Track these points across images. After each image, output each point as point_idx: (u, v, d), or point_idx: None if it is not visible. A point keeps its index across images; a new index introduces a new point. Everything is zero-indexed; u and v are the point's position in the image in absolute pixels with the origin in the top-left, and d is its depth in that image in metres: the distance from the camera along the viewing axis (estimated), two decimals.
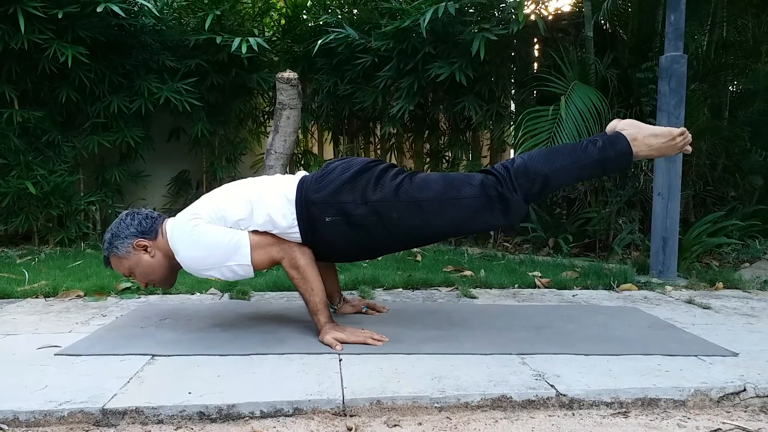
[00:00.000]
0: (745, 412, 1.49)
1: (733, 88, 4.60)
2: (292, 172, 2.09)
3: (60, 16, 3.64)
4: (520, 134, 3.78)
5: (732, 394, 1.53)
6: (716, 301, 2.62)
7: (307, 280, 1.87)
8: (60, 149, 4.18)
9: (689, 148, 1.96)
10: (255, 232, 1.87)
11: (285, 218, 1.86)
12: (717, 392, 1.52)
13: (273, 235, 1.88)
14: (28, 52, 3.80)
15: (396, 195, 1.85)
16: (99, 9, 3.72)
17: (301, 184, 1.91)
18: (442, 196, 1.85)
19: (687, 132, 1.92)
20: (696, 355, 1.79)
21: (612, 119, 2.08)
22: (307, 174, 1.98)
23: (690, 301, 2.59)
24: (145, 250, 1.95)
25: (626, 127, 1.93)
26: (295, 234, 1.88)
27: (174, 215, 2.00)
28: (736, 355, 1.80)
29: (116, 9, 3.75)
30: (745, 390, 1.53)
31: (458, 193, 1.85)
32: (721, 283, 2.93)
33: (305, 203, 1.86)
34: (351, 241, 1.90)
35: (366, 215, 1.84)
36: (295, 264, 1.87)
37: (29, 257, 3.60)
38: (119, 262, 1.97)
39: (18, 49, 3.73)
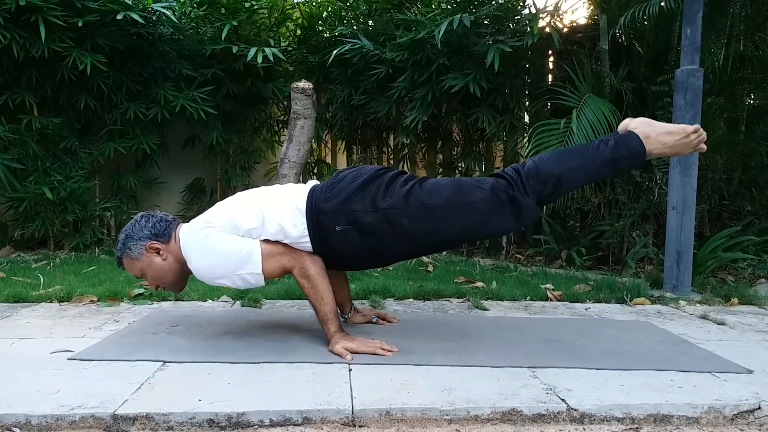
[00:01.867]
0: (760, 430, 1.46)
1: (750, 102, 4.57)
2: (305, 181, 2.09)
3: (80, 24, 3.70)
4: (530, 147, 3.77)
5: (746, 411, 1.50)
6: (731, 316, 2.59)
7: (317, 289, 1.88)
8: (77, 155, 4.24)
9: (704, 147, 1.92)
10: (266, 241, 1.88)
11: (296, 228, 1.87)
12: (731, 410, 1.50)
13: (284, 244, 1.89)
14: (48, 59, 3.87)
15: (406, 201, 1.84)
16: (119, 17, 3.78)
17: (312, 194, 1.91)
18: (452, 201, 1.83)
19: (701, 129, 1.88)
20: (710, 372, 1.77)
21: None
22: (318, 183, 1.99)
23: (704, 317, 2.56)
24: (158, 253, 1.96)
25: (639, 125, 1.90)
26: (306, 243, 1.88)
27: (189, 221, 2.01)
28: (750, 372, 1.78)
29: (135, 17, 3.81)
30: (759, 408, 1.51)
31: (468, 197, 1.84)
32: (736, 298, 2.89)
33: (316, 213, 1.87)
34: (362, 249, 1.90)
35: (376, 223, 1.84)
36: (306, 273, 1.88)
37: (44, 262, 3.64)
38: (131, 263, 1.98)
39: (38, 56, 3.80)
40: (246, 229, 1.87)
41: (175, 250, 1.95)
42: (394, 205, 1.84)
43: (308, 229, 1.87)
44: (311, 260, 1.89)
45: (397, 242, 1.88)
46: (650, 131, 1.88)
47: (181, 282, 2.05)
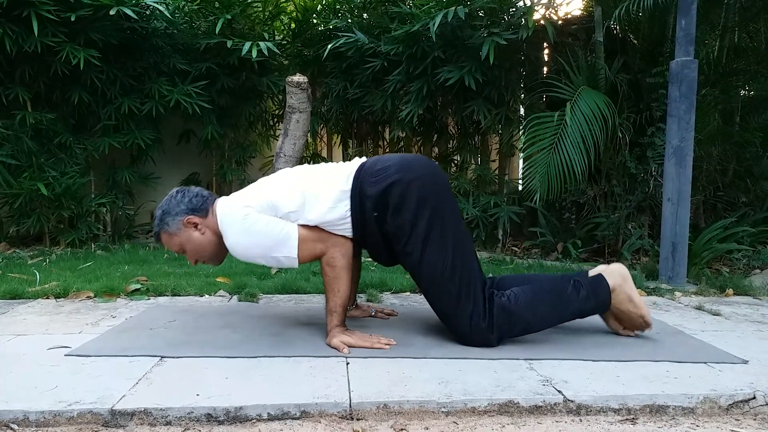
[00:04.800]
0: (755, 419, 1.48)
1: (744, 93, 4.57)
2: None
3: (73, 19, 3.68)
4: (523, 139, 3.78)
5: (741, 401, 1.52)
6: (726, 307, 2.60)
7: (338, 280, 1.87)
8: (71, 151, 4.22)
9: (640, 332, 2.05)
10: (303, 225, 1.88)
11: (338, 211, 1.87)
12: (726, 400, 1.51)
13: (319, 230, 1.89)
14: (41, 54, 3.84)
15: (422, 250, 1.86)
16: (112, 12, 3.76)
17: (358, 176, 1.91)
18: (448, 296, 1.88)
19: (651, 324, 2.01)
20: (705, 362, 1.78)
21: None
22: (365, 162, 1.97)
23: (699, 308, 2.58)
24: (196, 228, 1.95)
25: (614, 275, 1.99)
26: (346, 226, 1.89)
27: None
28: (746, 362, 1.79)
29: (129, 12, 3.79)
30: (754, 398, 1.52)
31: (456, 306, 1.88)
32: (731, 289, 2.91)
33: (360, 196, 1.88)
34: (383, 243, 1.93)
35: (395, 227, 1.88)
36: (333, 264, 1.87)
37: (40, 258, 3.63)
38: (170, 238, 1.97)
39: (31, 51, 3.77)
40: (285, 212, 1.87)
41: (213, 224, 1.94)
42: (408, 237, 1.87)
43: (350, 211, 1.88)
44: (342, 252, 1.88)
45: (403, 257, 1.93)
46: (623, 287, 1.98)
47: (220, 255, 2.03)
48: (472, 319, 1.85)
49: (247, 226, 1.85)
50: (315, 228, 1.89)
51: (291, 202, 1.87)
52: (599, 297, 1.97)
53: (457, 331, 1.91)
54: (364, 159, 2.01)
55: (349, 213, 1.88)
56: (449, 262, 1.86)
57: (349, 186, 1.89)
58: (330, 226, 1.89)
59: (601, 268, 2.04)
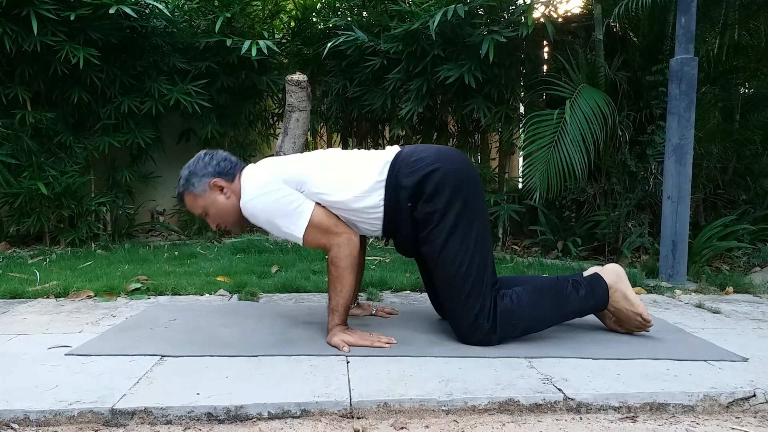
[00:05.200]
0: (755, 417, 1.48)
1: (744, 90, 4.57)
2: None
3: (72, 18, 3.68)
4: (523, 138, 3.77)
5: (741, 399, 1.52)
6: (726, 305, 2.60)
7: (341, 280, 1.87)
8: (71, 150, 4.22)
9: (643, 331, 2.04)
10: (324, 209, 1.88)
11: (371, 200, 1.88)
12: (726, 397, 1.51)
13: (335, 219, 1.89)
14: (41, 54, 3.84)
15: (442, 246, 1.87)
16: (111, 11, 3.76)
17: (393, 166, 1.90)
18: (459, 291, 1.88)
19: (651, 321, 2.00)
20: (705, 360, 1.78)
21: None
22: (400, 151, 1.96)
23: (699, 306, 2.58)
24: (221, 191, 1.96)
25: (611, 275, 1.99)
26: (377, 214, 1.89)
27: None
28: (746, 360, 1.79)
29: (128, 11, 3.79)
30: (754, 395, 1.52)
31: (464, 303, 1.88)
32: (731, 287, 2.91)
33: (394, 187, 1.88)
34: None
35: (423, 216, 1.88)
36: (337, 263, 1.87)
37: (40, 257, 3.64)
38: (194, 200, 1.97)
39: (31, 51, 3.77)
40: (313, 191, 1.88)
41: (239, 189, 1.94)
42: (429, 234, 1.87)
43: (384, 201, 1.88)
44: (346, 252, 1.87)
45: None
46: (618, 285, 1.98)
47: (242, 222, 2.02)
48: (477, 319, 1.85)
49: (266, 190, 1.86)
50: (331, 216, 1.88)
51: (322, 184, 1.88)
52: (597, 295, 1.97)
53: (461, 327, 1.91)
54: (398, 148, 2.00)
55: (382, 203, 1.88)
56: (468, 257, 1.86)
57: (384, 177, 1.89)
58: (357, 214, 1.89)
59: (596, 269, 2.04)
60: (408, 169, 1.88)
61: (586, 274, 2.04)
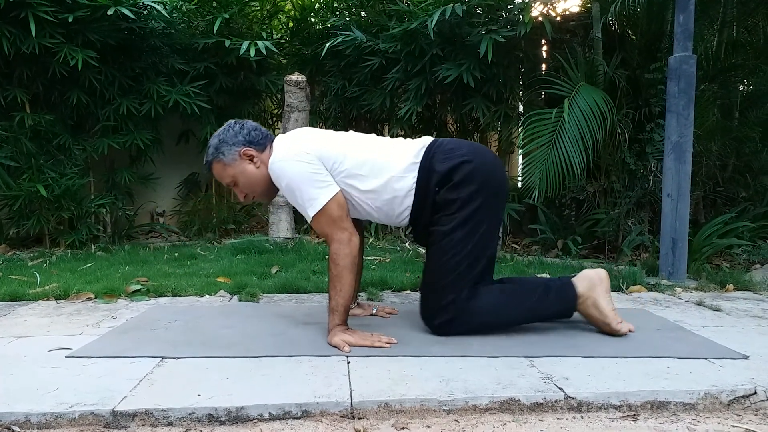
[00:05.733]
0: (756, 415, 1.48)
1: (743, 88, 4.57)
2: None
3: (70, 20, 3.67)
4: (521, 137, 3.77)
5: (742, 397, 1.52)
6: (726, 303, 2.60)
7: (340, 279, 1.87)
8: (71, 152, 4.21)
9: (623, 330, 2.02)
10: (343, 201, 1.90)
11: (406, 181, 1.91)
12: (727, 395, 1.51)
13: (346, 215, 1.90)
14: (39, 56, 3.84)
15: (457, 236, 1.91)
16: (109, 12, 3.75)
17: (429, 151, 1.94)
18: (443, 278, 1.94)
19: (623, 330, 1.99)
20: (706, 358, 1.78)
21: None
22: (435, 141, 2.00)
23: (700, 303, 2.58)
24: (251, 161, 1.96)
25: (584, 281, 2.00)
26: (408, 200, 1.93)
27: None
28: (746, 357, 1.79)
29: (126, 12, 3.78)
30: (755, 393, 1.52)
31: (441, 290, 1.94)
32: (731, 284, 2.91)
33: (428, 170, 1.91)
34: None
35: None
36: (336, 261, 1.87)
37: (40, 260, 3.63)
38: (223, 168, 1.97)
39: (29, 53, 3.77)
40: (346, 169, 1.90)
41: (269, 159, 1.94)
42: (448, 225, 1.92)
43: (416, 182, 1.91)
44: (347, 250, 1.87)
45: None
46: (591, 293, 1.99)
47: (271, 192, 2.03)
48: (444, 308, 1.92)
49: (299, 159, 1.87)
50: (344, 210, 1.90)
51: (358, 167, 1.90)
52: (564, 303, 2.00)
53: (427, 307, 1.99)
54: (432, 138, 2.04)
55: (414, 186, 1.91)
56: (464, 252, 1.90)
57: (419, 159, 1.93)
58: (392, 193, 1.92)
59: (583, 272, 2.04)
60: (443, 155, 1.93)
61: (574, 278, 2.05)
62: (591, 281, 2.00)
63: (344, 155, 1.91)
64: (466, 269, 1.91)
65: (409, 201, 1.94)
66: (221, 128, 2.01)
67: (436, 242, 1.94)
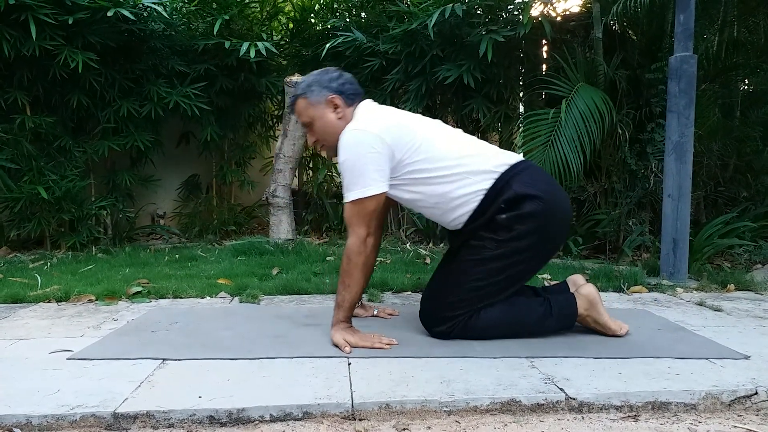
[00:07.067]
0: (757, 415, 1.47)
1: (744, 87, 4.57)
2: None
3: (70, 22, 3.67)
4: (519, 137, 3.77)
5: (743, 397, 1.52)
6: (728, 303, 2.60)
7: (351, 276, 1.87)
8: (71, 154, 4.22)
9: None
10: (382, 203, 1.88)
11: (479, 185, 1.89)
12: (728, 395, 1.51)
13: (374, 218, 1.88)
14: (40, 58, 3.84)
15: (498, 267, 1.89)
16: (109, 14, 3.75)
17: (515, 167, 1.92)
18: (456, 297, 1.93)
19: (624, 331, 2.00)
20: (707, 358, 1.78)
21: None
22: (525, 160, 1.99)
23: (701, 303, 2.57)
24: (335, 110, 1.96)
25: (584, 302, 1.98)
26: (472, 205, 1.89)
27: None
28: (747, 357, 1.79)
29: (126, 13, 3.78)
30: (756, 393, 1.52)
31: (450, 305, 1.93)
32: (732, 284, 2.91)
33: (505, 184, 1.88)
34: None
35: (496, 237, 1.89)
36: (350, 256, 1.87)
37: (41, 262, 3.64)
38: (307, 107, 1.97)
39: (29, 55, 3.77)
40: (425, 157, 1.87)
41: (350, 117, 1.95)
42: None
43: (487, 191, 1.88)
44: (363, 248, 1.86)
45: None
46: (590, 311, 1.98)
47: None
48: (444, 322, 1.92)
49: (368, 142, 1.83)
50: (377, 212, 1.88)
51: (438, 159, 1.88)
52: (564, 321, 1.99)
53: (427, 311, 1.99)
54: (522, 158, 2.02)
55: (485, 191, 1.88)
56: (490, 281, 1.90)
57: (500, 170, 1.90)
58: (459, 193, 1.89)
59: (581, 291, 2.02)
60: (526, 179, 1.90)
61: (572, 288, 2.06)
62: (589, 302, 1.99)
63: (421, 147, 1.88)
64: (481, 296, 1.90)
65: (472, 206, 1.90)
66: (319, 70, 2.01)
67: (467, 259, 1.91)
